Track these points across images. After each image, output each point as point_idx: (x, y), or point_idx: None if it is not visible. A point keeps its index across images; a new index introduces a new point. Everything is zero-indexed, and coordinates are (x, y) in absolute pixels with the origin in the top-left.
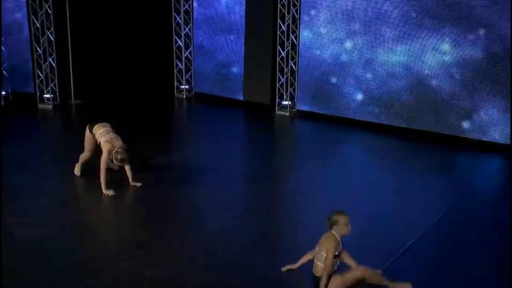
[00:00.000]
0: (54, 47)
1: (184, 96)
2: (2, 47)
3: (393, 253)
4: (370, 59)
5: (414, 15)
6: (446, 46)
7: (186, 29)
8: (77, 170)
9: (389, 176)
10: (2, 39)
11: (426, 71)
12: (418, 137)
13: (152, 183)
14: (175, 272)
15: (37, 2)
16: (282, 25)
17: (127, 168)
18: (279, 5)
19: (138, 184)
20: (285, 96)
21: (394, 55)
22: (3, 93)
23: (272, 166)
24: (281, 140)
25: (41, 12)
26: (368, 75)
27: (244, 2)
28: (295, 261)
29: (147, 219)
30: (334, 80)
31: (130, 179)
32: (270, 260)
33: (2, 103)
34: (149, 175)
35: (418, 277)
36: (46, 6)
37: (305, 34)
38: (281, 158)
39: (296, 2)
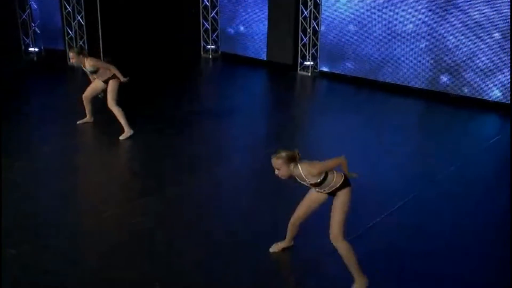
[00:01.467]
0: (83, 5)
1: (210, 56)
2: (34, 5)
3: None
4: (391, 18)
5: None
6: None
7: None
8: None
9: (400, 133)
10: None
11: (448, 31)
12: (438, 99)
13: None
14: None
15: None
16: None
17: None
18: None
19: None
20: (307, 57)
21: (418, 14)
22: (36, 49)
23: (291, 119)
24: (300, 98)
25: None
26: (391, 36)
27: None
28: None
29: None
30: (356, 40)
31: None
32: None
33: (35, 59)
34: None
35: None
36: None
37: None
38: (300, 113)
39: None
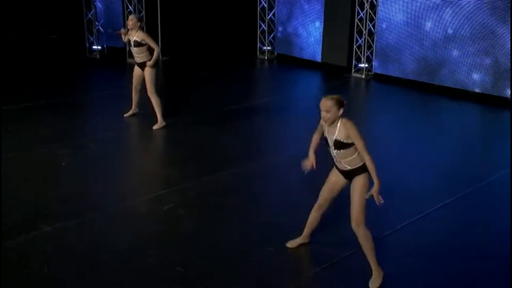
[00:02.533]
0: (143, 4)
1: (266, 57)
2: (99, 4)
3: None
4: (449, 22)
5: None
6: None
7: None
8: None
9: (452, 137)
10: None
11: (508, 33)
12: (497, 103)
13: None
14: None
15: None
16: None
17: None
18: None
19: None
20: (362, 59)
21: (476, 16)
22: (99, 47)
23: None
24: (352, 100)
25: None
26: (448, 38)
27: None
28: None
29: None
30: (411, 42)
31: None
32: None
33: (98, 57)
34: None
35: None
36: None
37: None
38: (350, 113)
39: None
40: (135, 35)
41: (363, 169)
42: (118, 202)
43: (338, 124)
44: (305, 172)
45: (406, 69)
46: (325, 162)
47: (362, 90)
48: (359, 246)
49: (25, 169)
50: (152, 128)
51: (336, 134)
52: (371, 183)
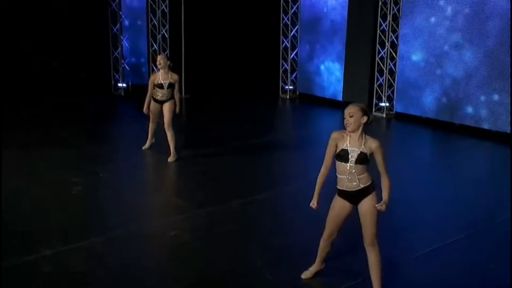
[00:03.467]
0: (168, 43)
1: (288, 97)
2: (126, 43)
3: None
4: (470, 61)
5: None
6: None
7: (294, 31)
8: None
9: (471, 175)
10: (125, 37)
11: None
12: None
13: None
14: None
15: (156, 2)
16: (383, 24)
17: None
18: (380, 3)
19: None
20: (383, 98)
21: (497, 55)
22: (124, 85)
23: None
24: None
25: (158, 11)
26: (469, 76)
27: (347, 1)
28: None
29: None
30: (432, 80)
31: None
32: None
33: (123, 94)
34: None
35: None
36: (163, 6)
37: (405, 33)
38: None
39: (398, 0)
40: (169, 77)
41: (371, 188)
42: (124, 227)
43: (364, 137)
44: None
45: (426, 108)
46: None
47: (382, 128)
48: (366, 275)
49: (35, 192)
50: (166, 160)
51: (362, 147)
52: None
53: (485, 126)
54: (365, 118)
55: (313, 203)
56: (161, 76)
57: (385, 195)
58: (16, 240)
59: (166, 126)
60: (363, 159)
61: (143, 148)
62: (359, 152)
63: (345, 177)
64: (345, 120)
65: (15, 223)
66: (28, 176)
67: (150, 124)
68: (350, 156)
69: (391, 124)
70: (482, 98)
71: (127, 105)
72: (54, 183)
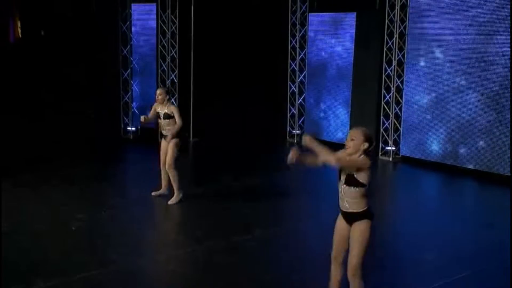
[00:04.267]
0: (177, 88)
1: (296, 141)
2: (136, 88)
3: None
4: (474, 105)
5: None
6: None
7: (301, 76)
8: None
9: (468, 216)
10: (136, 82)
11: None
12: None
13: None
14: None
15: (166, 48)
16: (388, 69)
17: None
18: (385, 49)
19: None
20: (390, 142)
21: (500, 99)
22: (133, 128)
23: None
24: (379, 181)
25: (168, 57)
26: (475, 120)
27: (353, 47)
28: None
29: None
30: (437, 125)
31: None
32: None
33: (131, 137)
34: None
35: None
36: (173, 52)
37: (410, 77)
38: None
39: (403, 46)
40: (165, 108)
41: (364, 215)
42: (122, 261)
43: (358, 154)
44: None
45: (432, 152)
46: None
47: (389, 172)
48: None
49: (37, 225)
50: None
51: (352, 165)
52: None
53: (490, 169)
54: (366, 145)
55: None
56: (159, 107)
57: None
58: (10, 272)
59: (167, 166)
60: (351, 182)
61: (153, 194)
62: (348, 173)
63: (340, 195)
64: (346, 141)
65: (13, 255)
66: (32, 212)
67: (162, 169)
68: (342, 175)
69: (397, 168)
70: (485, 141)
71: (135, 149)
72: (56, 218)
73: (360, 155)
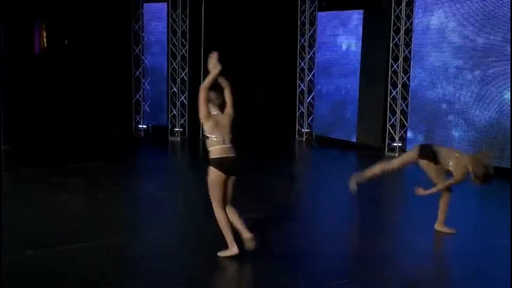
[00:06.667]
0: (187, 86)
1: (304, 139)
2: (147, 86)
3: None
4: (482, 97)
5: None
6: None
7: (310, 75)
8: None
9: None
10: (148, 79)
11: None
12: None
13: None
14: None
15: (177, 46)
16: (394, 65)
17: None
18: (391, 45)
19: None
20: (396, 138)
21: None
22: (144, 126)
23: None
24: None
25: (179, 55)
26: (480, 114)
27: (360, 44)
28: None
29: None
30: (443, 122)
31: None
32: None
33: (143, 135)
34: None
35: None
36: (183, 50)
37: (416, 73)
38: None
39: (409, 42)
40: None
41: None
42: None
43: None
44: None
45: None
46: None
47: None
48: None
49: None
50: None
51: None
52: None
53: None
54: None
55: None
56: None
57: None
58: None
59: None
60: None
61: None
62: None
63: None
64: None
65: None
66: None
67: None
68: None
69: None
70: (493, 135)
71: (146, 147)
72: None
73: None
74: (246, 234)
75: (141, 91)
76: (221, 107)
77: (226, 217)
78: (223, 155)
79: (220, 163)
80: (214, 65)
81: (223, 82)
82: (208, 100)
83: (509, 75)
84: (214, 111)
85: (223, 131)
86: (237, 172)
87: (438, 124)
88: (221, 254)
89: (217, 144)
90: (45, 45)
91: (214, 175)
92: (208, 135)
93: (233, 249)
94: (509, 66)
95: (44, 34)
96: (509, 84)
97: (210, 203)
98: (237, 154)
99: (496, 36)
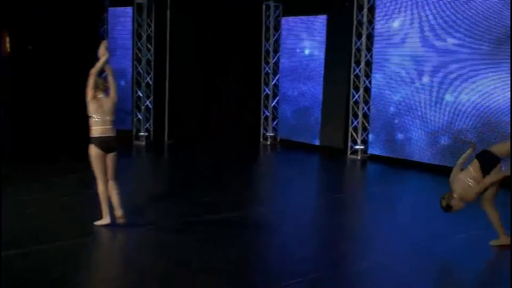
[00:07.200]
0: (152, 90)
1: (269, 143)
2: None
3: None
4: (439, 99)
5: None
6: None
7: (275, 80)
8: None
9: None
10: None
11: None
12: None
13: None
14: None
15: (142, 51)
16: (356, 69)
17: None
18: (353, 50)
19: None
20: (358, 141)
21: (463, 94)
22: None
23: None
24: (342, 182)
25: (144, 59)
26: (439, 116)
27: (324, 49)
28: None
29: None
30: (404, 123)
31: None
32: None
33: None
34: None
35: None
36: (148, 55)
37: (378, 77)
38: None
39: (371, 47)
40: None
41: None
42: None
43: None
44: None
45: (400, 149)
46: None
47: (357, 170)
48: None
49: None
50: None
51: None
52: None
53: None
54: None
55: None
56: None
57: None
58: None
59: None
60: None
61: None
62: None
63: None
64: None
65: None
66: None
67: None
68: None
69: (363, 166)
70: (447, 138)
71: None
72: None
73: None
74: (118, 211)
75: None
76: (107, 92)
77: (105, 191)
78: (103, 135)
79: (99, 141)
80: (103, 52)
81: (107, 69)
82: (95, 85)
83: (465, 77)
84: (100, 95)
85: (106, 113)
86: (115, 149)
87: (397, 126)
88: (97, 223)
89: (98, 125)
90: (8, 50)
91: (93, 151)
92: (91, 115)
93: (106, 219)
94: (465, 70)
95: (7, 39)
96: (464, 87)
97: None
98: (116, 133)
99: (453, 39)
